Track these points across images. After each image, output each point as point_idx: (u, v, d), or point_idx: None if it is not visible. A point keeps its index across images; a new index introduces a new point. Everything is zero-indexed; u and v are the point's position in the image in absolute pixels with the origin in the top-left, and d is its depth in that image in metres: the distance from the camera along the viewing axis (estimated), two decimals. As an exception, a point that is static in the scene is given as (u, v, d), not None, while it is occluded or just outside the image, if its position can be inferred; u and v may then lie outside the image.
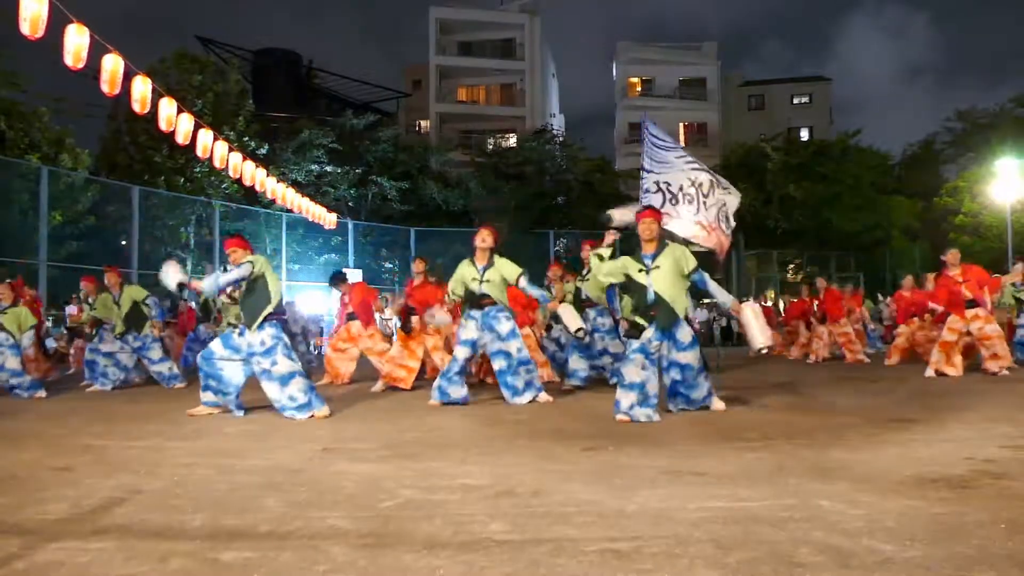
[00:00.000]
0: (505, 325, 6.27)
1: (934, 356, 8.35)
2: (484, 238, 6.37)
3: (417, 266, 8.25)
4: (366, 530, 2.45)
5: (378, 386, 7.71)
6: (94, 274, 9.67)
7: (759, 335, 5.52)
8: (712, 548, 2.18)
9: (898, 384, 7.56)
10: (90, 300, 8.96)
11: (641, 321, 5.35)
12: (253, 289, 5.74)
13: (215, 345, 5.81)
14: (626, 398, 5.16)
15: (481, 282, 6.27)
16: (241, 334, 5.75)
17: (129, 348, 8.51)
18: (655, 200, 7.98)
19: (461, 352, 6.31)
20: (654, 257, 5.40)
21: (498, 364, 6.28)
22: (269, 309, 5.70)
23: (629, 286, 5.63)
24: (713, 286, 5.50)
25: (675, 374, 5.36)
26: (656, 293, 5.28)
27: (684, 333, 5.33)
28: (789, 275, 29.62)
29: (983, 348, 8.31)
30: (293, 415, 5.55)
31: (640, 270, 5.41)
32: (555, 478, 3.18)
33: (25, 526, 2.56)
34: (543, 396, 6.28)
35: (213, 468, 3.54)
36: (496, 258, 6.38)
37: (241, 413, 5.76)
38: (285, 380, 5.60)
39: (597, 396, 6.74)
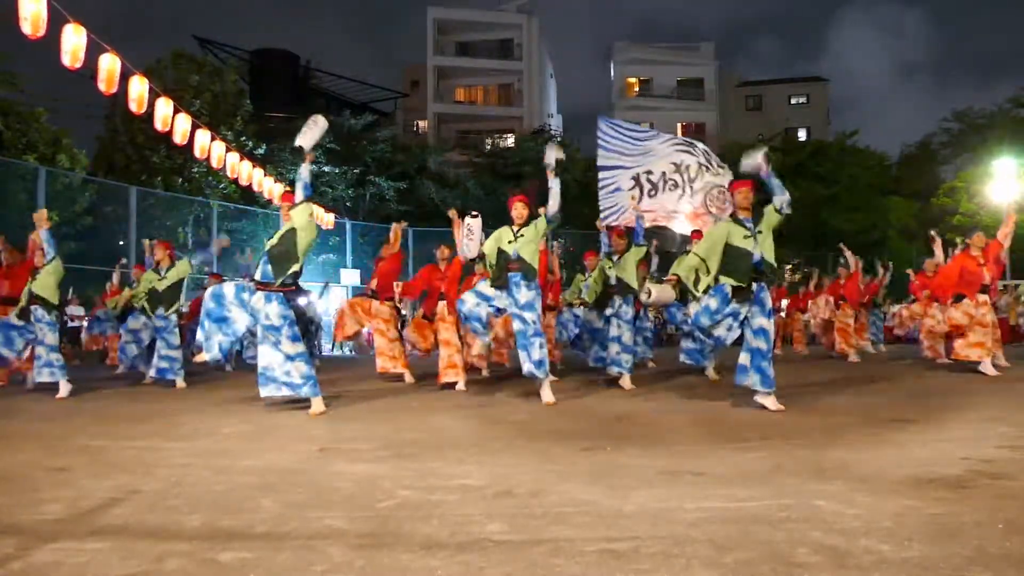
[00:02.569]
0: (525, 294, 6.21)
1: (959, 344, 8.37)
2: (520, 213, 6.36)
3: (442, 252, 8.20)
4: (364, 530, 2.45)
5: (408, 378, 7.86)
6: (93, 275, 9.72)
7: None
8: (710, 548, 2.18)
9: (896, 384, 7.57)
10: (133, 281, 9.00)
11: (739, 283, 5.57)
12: (284, 240, 5.70)
13: (227, 288, 5.79)
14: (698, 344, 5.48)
15: (516, 239, 6.27)
16: (251, 292, 5.74)
17: (151, 326, 8.54)
18: (633, 194, 8.00)
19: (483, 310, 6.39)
20: (755, 223, 5.65)
21: (516, 325, 6.27)
22: (295, 267, 5.68)
23: (729, 252, 5.69)
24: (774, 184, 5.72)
25: (760, 342, 5.54)
26: (763, 257, 5.59)
27: (768, 298, 5.61)
28: (787, 275, 29.65)
29: (971, 333, 8.32)
30: (282, 389, 5.64)
31: (746, 236, 5.62)
32: (553, 478, 3.18)
33: (22, 526, 2.56)
34: (547, 393, 6.15)
35: (210, 468, 3.53)
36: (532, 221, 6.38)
37: (222, 359, 5.79)
38: (289, 358, 5.67)
39: (596, 396, 6.74)
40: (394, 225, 8.59)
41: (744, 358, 5.62)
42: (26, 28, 5.98)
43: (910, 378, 8.10)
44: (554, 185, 6.27)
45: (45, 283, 7.44)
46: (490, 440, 4.33)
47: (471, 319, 6.47)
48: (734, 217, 5.79)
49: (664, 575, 1.99)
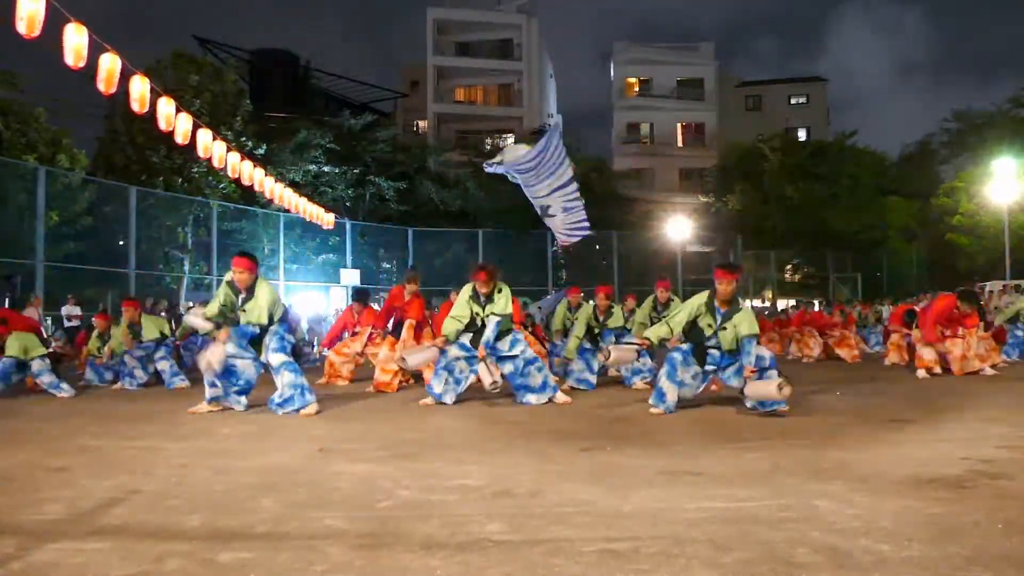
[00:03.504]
0: (505, 342, 6.27)
1: (926, 354, 8.36)
2: (483, 283, 6.25)
3: (411, 285, 7.98)
4: (364, 530, 2.45)
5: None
6: (92, 275, 9.71)
7: None
8: (709, 548, 2.18)
9: (895, 384, 7.57)
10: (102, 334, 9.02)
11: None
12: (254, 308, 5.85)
13: (228, 346, 5.81)
14: (672, 392, 5.50)
15: (484, 310, 6.24)
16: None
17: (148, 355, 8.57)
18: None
19: (451, 350, 6.20)
20: (727, 316, 5.58)
21: (507, 368, 6.29)
22: (264, 320, 5.82)
23: (692, 326, 5.72)
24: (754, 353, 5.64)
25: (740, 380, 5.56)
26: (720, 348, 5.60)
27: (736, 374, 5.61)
28: (787, 275, 29.69)
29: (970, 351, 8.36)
30: (275, 410, 5.69)
31: (709, 325, 5.61)
32: (553, 478, 3.18)
33: (22, 526, 2.56)
34: (560, 396, 6.24)
35: (210, 469, 3.53)
36: (496, 292, 6.31)
37: (241, 406, 5.82)
38: (275, 371, 5.78)
39: (596, 396, 6.74)
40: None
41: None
42: (21, 28, 5.97)
43: (910, 378, 8.10)
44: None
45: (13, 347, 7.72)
46: (489, 440, 4.33)
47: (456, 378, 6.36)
48: (710, 299, 5.67)
49: (664, 575, 1.99)
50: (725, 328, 5.55)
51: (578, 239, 7.45)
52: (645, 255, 26.13)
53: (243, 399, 5.87)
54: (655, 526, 2.43)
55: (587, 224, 7.29)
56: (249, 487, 3.11)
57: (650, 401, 5.57)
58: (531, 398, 6.17)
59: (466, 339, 6.27)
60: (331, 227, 17.70)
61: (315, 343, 15.57)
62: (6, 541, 2.37)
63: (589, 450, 3.90)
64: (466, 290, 6.37)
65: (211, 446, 4.26)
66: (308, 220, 16.59)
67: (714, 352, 5.63)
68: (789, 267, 30.01)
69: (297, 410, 5.65)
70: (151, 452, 4.07)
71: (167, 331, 8.86)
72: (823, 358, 11.83)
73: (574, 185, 7.51)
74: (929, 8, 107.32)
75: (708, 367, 5.66)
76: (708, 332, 5.61)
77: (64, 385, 7.61)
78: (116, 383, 8.61)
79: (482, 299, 6.29)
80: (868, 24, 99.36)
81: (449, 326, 6.22)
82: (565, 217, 7.42)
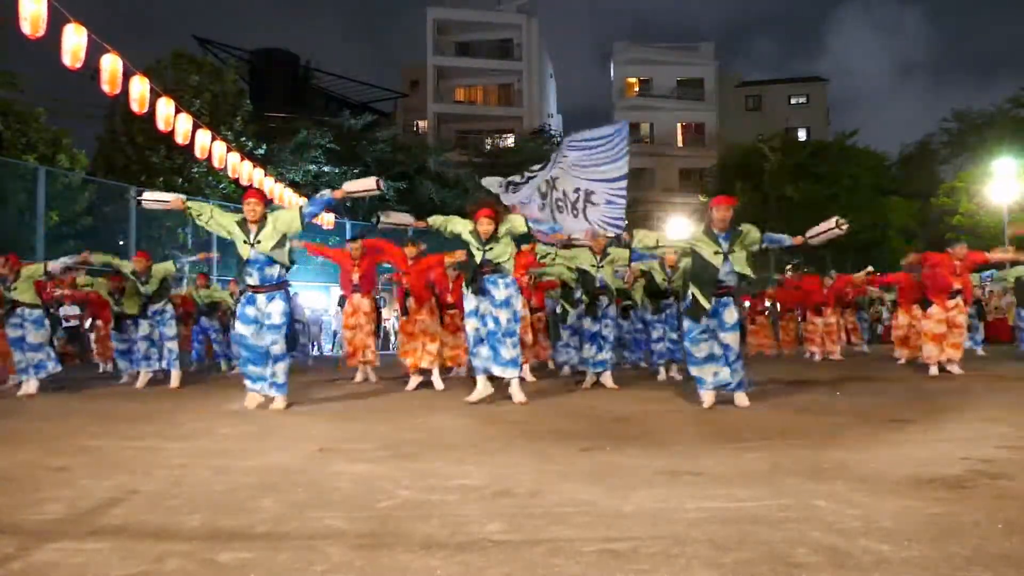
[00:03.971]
0: (502, 292, 6.20)
1: (928, 351, 8.35)
2: (486, 229, 6.22)
3: (410, 251, 8.21)
4: (363, 530, 2.45)
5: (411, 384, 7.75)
6: (92, 275, 9.67)
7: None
8: (709, 548, 2.18)
9: (895, 384, 7.57)
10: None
11: (703, 301, 5.60)
12: (279, 246, 5.92)
13: (240, 327, 5.91)
14: (707, 372, 5.58)
15: (487, 249, 6.21)
16: (248, 304, 5.86)
17: (150, 323, 8.54)
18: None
19: (469, 324, 6.35)
20: (730, 240, 5.64)
21: (489, 325, 6.23)
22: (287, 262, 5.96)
23: (697, 263, 5.74)
24: (778, 236, 5.97)
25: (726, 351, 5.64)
26: (732, 271, 5.64)
27: (729, 312, 5.60)
28: (787, 275, 29.68)
29: (949, 335, 8.34)
30: (266, 390, 5.82)
31: (716, 252, 5.61)
32: (553, 478, 3.18)
33: (21, 526, 2.56)
34: (517, 392, 6.15)
35: (210, 468, 3.53)
36: (495, 239, 6.27)
37: (281, 393, 5.90)
38: (279, 359, 5.87)
39: (595, 396, 6.74)
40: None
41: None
42: (25, 28, 5.99)
43: (909, 378, 8.10)
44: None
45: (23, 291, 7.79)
46: (489, 440, 4.33)
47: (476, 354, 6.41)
48: (707, 231, 5.74)
49: (664, 575, 1.99)
50: (735, 251, 5.62)
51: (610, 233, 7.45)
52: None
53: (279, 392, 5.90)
54: (655, 526, 2.43)
55: (622, 223, 7.28)
56: (249, 487, 3.11)
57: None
58: (496, 367, 6.14)
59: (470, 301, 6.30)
60: (331, 227, 17.71)
61: (314, 344, 15.63)
62: (6, 541, 2.37)
63: (589, 450, 3.90)
64: (468, 224, 6.32)
65: (211, 446, 4.26)
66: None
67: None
68: (789, 267, 30.01)
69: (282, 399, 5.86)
70: (151, 452, 4.07)
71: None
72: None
73: (625, 182, 7.51)
74: (929, 8, 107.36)
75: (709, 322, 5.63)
76: (719, 261, 5.60)
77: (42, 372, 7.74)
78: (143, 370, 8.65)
79: (481, 239, 6.25)
80: (868, 24, 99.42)
81: (441, 221, 6.39)
82: (607, 209, 7.46)
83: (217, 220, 5.95)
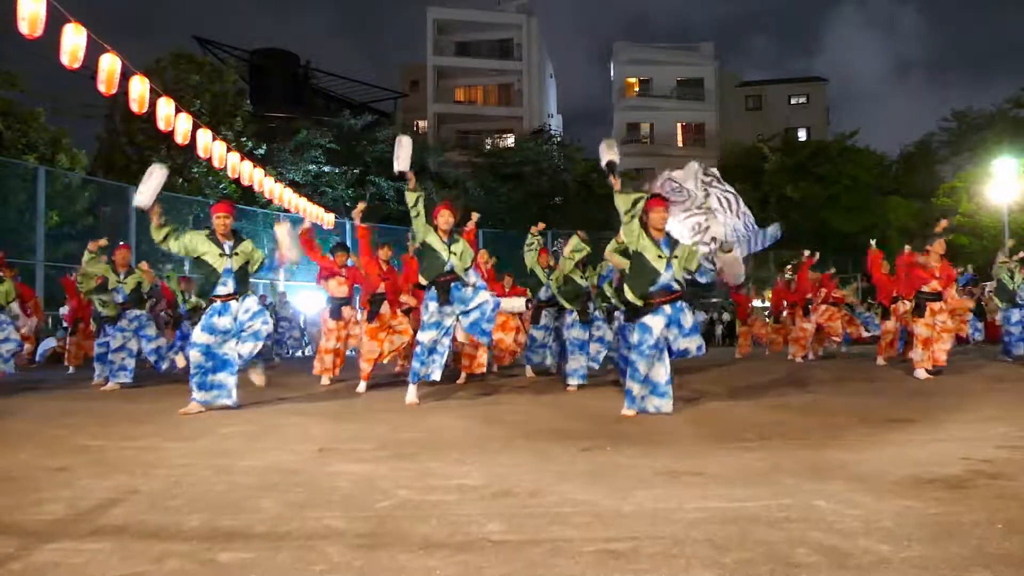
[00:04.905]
0: (468, 290, 6.22)
1: (918, 355, 8.35)
2: (447, 219, 6.28)
3: (383, 253, 8.32)
4: (362, 530, 2.45)
5: (361, 387, 7.60)
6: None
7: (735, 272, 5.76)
8: (709, 548, 2.18)
9: (895, 384, 7.57)
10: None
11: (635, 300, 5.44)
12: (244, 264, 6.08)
13: (201, 336, 5.80)
14: (643, 390, 5.34)
15: (449, 253, 6.20)
16: (221, 314, 5.87)
17: (130, 331, 8.55)
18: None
19: (427, 335, 6.22)
20: (669, 248, 5.44)
21: (472, 318, 6.22)
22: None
23: (637, 263, 5.50)
24: (707, 268, 5.76)
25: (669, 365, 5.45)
26: (671, 281, 5.39)
27: (685, 318, 5.42)
28: (787, 275, 29.68)
29: (939, 342, 8.36)
30: (222, 398, 5.87)
31: (660, 256, 5.36)
32: (552, 478, 3.18)
33: (21, 527, 2.56)
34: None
35: (210, 468, 3.53)
36: (455, 239, 6.34)
37: (232, 402, 5.89)
38: (254, 337, 5.93)
39: (595, 396, 6.74)
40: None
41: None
42: (24, 28, 5.98)
43: (909, 378, 8.09)
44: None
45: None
46: (489, 440, 4.33)
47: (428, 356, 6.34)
48: (648, 235, 5.42)
49: (664, 575, 1.99)
50: (676, 256, 5.39)
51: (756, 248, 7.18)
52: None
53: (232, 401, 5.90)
54: (655, 526, 2.43)
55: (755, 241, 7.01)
56: (248, 487, 3.11)
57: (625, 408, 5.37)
58: (474, 332, 6.27)
59: (434, 308, 6.22)
60: (331, 227, 17.71)
61: (313, 343, 15.61)
62: (6, 541, 2.37)
63: (589, 450, 3.90)
64: (428, 230, 6.25)
65: (211, 446, 4.26)
66: (308, 220, 16.58)
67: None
68: (789, 267, 30.01)
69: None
70: (151, 452, 4.07)
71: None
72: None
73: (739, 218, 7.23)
74: (929, 7, 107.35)
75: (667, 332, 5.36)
76: (660, 265, 5.33)
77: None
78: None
79: (444, 238, 6.27)
80: (867, 23, 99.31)
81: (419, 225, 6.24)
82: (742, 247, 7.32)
83: (185, 244, 5.90)
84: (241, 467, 3.58)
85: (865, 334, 12.97)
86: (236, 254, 5.95)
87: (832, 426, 4.67)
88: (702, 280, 5.78)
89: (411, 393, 6.22)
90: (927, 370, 8.17)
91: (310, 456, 3.88)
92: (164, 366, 9.09)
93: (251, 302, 6.03)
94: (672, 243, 5.51)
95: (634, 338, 5.41)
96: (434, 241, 6.23)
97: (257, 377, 6.34)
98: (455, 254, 6.21)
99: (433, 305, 6.24)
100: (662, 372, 5.35)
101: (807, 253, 12.58)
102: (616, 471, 3.33)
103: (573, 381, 7.49)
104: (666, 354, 5.41)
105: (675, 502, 2.73)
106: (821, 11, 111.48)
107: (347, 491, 3.01)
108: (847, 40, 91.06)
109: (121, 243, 9.37)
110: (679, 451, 3.85)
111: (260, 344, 6.00)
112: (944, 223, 8.57)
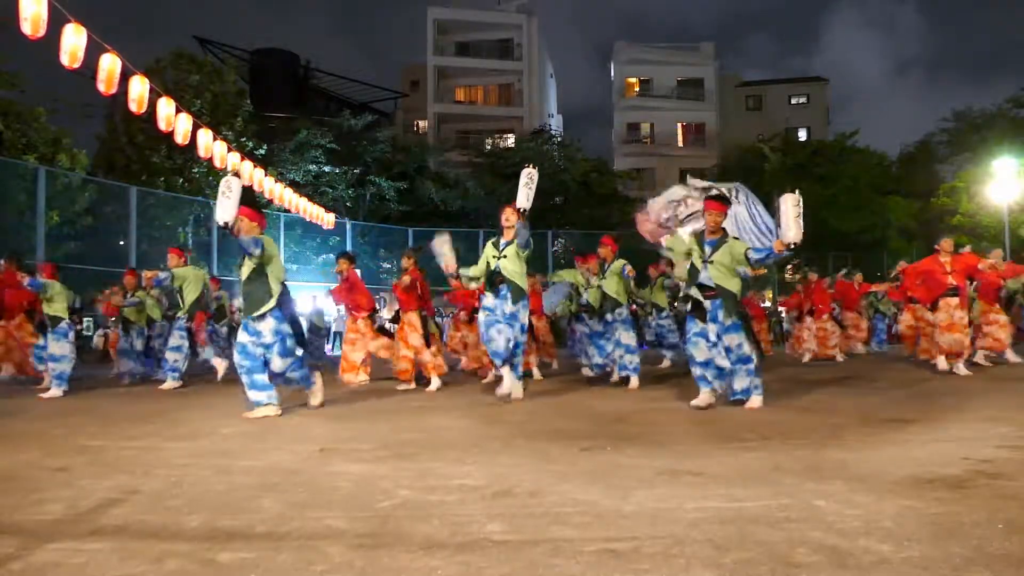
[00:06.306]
0: (510, 306, 6.44)
1: (945, 340, 8.35)
2: (508, 216, 6.58)
3: (406, 262, 8.32)
4: (363, 530, 2.45)
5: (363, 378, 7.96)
6: (92, 275, 9.81)
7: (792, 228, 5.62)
8: (709, 548, 2.18)
9: (895, 384, 7.57)
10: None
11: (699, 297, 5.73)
12: (256, 277, 5.62)
13: (243, 336, 5.64)
14: (708, 373, 5.69)
15: (499, 257, 6.48)
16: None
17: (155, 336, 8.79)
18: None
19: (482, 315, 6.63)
20: (715, 247, 5.69)
21: (505, 334, 6.45)
22: (271, 304, 5.59)
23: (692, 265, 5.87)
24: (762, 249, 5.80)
25: (731, 360, 5.67)
26: (710, 281, 5.65)
27: (723, 314, 5.62)
28: (787, 275, 29.68)
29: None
30: (289, 381, 5.89)
31: (699, 256, 5.73)
32: (553, 478, 3.18)
33: (22, 526, 2.56)
34: (513, 384, 6.37)
35: (210, 468, 3.53)
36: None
37: (310, 383, 6.02)
38: (277, 375, 5.80)
39: (595, 396, 6.75)
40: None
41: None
42: (26, 28, 5.99)
43: (910, 378, 8.09)
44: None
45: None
46: (489, 440, 4.33)
47: (488, 343, 6.58)
48: (698, 236, 5.88)
49: (664, 575, 1.99)
50: (712, 261, 5.64)
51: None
52: (646, 255, 26.15)
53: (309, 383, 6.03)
54: (655, 526, 2.43)
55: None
56: (249, 487, 3.11)
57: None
58: (505, 372, 6.41)
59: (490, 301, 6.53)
60: (331, 227, 17.74)
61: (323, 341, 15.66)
62: (6, 541, 2.37)
63: (589, 450, 3.90)
64: (490, 244, 6.68)
65: (211, 446, 4.26)
66: (308, 220, 16.61)
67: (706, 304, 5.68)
68: (789, 267, 30.01)
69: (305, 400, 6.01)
70: (151, 452, 4.07)
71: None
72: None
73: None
74: (929, 7, 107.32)
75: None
76: (699, 265, 5.72)
77: None
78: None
79: (502, 244, 6.54)
80: (867, 23, 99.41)
81: (467, 271, 6.73)
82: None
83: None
84: (241, 467, 3.58)
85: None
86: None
87: (832, 426, 4.67)
88: (762, 258, 5.71)
89: (505, 380, 6.45)
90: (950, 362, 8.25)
91: (311, 456, 3.88)
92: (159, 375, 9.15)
93: (267, 326, 5.63)
94: (719, 243, 5.72)
95: (686, 327, 5.91)
96: (489, 250, 6.68)
97: (314, 398, 6.10)
98: (505, 256, 6.50)
99: (489, 298, 6.55)
100: (716, 353, 5.65)
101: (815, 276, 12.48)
102: (616, 471, 3.33)
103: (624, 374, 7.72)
104: (724, 336, 5.64)
105: (675, 502, 2.73)
106: (821, 11, 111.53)
107: (348, 491, 3.02)
108: (847, 40, 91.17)
109: (128, 268, 9.58)
110: (679, 451, 3.85)
111: (290, 361, 5.76)
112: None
